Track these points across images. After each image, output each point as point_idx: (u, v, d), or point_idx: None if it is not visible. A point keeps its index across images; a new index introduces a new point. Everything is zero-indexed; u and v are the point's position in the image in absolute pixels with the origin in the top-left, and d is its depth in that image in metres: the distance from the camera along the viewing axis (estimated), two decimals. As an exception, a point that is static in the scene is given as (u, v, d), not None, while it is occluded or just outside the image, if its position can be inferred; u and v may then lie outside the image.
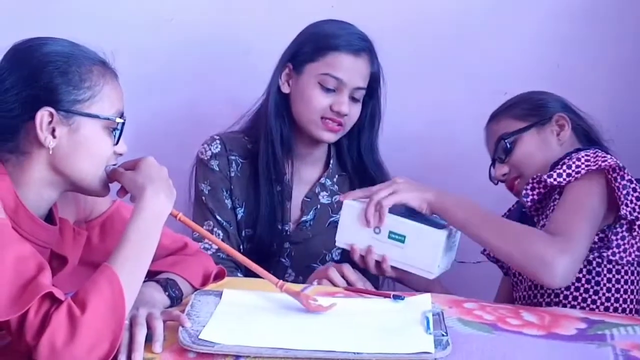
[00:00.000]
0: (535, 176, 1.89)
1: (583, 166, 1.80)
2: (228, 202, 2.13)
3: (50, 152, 1.47)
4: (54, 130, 1.47)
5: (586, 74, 2.14)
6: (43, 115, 1.45)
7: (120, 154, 1.57)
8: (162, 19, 2.55)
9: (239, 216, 2.14)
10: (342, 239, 1.89)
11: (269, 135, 2.11)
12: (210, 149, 2.14)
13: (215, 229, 2.10)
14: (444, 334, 1.46)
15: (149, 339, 1.40)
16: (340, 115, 2.06)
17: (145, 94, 2.49)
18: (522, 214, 2.01)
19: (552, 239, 1.69)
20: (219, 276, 1.75)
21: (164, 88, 2.57)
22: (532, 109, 1.99)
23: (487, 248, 1.82)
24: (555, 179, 1.81)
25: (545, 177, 1.83)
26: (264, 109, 2.14)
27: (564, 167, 1.81)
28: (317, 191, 2.20)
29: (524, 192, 1.90)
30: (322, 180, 2.21)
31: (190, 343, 1.39)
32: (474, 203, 1.81)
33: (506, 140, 1.97)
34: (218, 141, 2.15)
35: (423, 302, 1.63)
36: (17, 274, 1.32)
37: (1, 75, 1.48)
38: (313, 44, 2.09)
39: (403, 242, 1.81)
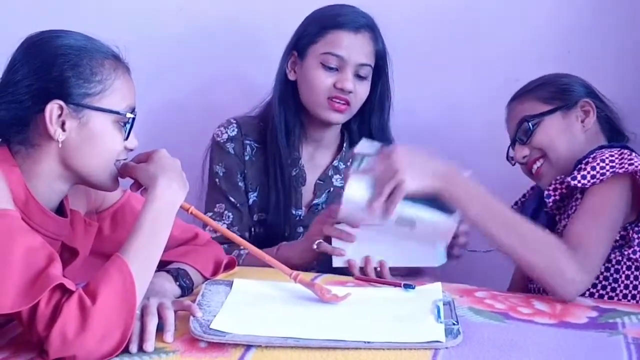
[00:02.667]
0: (558, 177, 1.86)
1: (608, 168, 1.76)
2: (242, 184, 2.15)
3: (60, 146, 1.47)
4: (63, 123, 1.47)
5: (597, 60, 2.12)
6: (53, 108, 1.45)
7: (131, 149, 1.57)
8: (172, 8, 2.55)
9: (252, 200, 2.15)
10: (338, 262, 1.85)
11: (273, 123, 2.13)
12: (226, 132, 2.16)
13: (226, 212, 2.11)
14: (455, 322, 1.46)
15: (160, 329, 1.40)
16: (344, 93, 2.07)
17: (156, 84, 2.49)
18: (539, 203, 1.98)
19: (573, 255, 1.66)
20: (229, 266, 1.75)
21: (174, 78, 2.57)
22: (558, 92, 1.95)
23: (503, 251, 1.71)
24: (579, 181, 1.77)
25: (569, 179, 1.79)
26: (272, 96, 2.16)
27: (588, 168, 1.77)
28: (330, 174, 2.21)
29: (545, 192, 1.87)
30: (335, 163, 2.22)
31: (202, 333, 1.39)
32: (491, 197, 1.72)
33: (529, 122, 1.93)
34: (235, 125, 2.16)
35: (434, 291, 1.63)
36: (27, 265, 1.32)
37: (14, 66, 1.49)
38: (313, 27, 2.11)
39: (414, 226, 1.75)
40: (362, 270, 1.84)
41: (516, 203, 2.09)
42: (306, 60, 2.10)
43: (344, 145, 2.23)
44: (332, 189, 2.20)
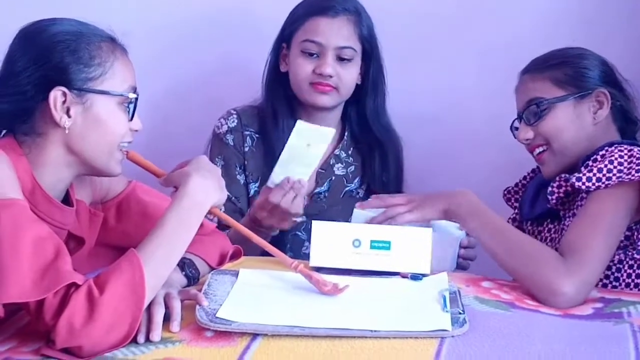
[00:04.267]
0: (563, 175, 1.80)
1: (615, 172, 1.70)
2: (241, 177, 2.15)
3: (67, 132, 1.47)
4: (68, 109, 1.47)
5: (601, 50, 2.11)
6: (56, 95, 1.46)
7: (136, 130, 1.57)
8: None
9: (253, 191, 2.15)
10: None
11: (266, 114, 2.16)
12: (226, 123, 2.17)
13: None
14: (461, 312, 1.46)
15: (167, 319, 1.41)
16: (324, 77, 2.08)
17: (158, 73, 2.48)
18: (538, 188, 1.95)
19: (563, 264, 1.61)
20: (235, 256, 1.75)
21: (176, 67, 2.56)
22: (574, 76, 1.86)
23: (497, 262, 1.72)
24: (584, 183, 1.72)
25: (574, 179, 1.74)
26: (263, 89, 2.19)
27: (595, 169, 1.72)
28: (331, 163, 2.21)
29: (549, 189, 1.83)
30: (337, 152, 2.22)
31: (208, 321, 1.40)
32: (490, 213, 1.75)
33: (539, 106, 1.85)
34: (235, 115, 2.17)
35: (440, 280, 1.63)
36: (36, 255, 1.32)
37: (12, 58, 1.49)
38: (294, 17, 2.14)
39: (388, 249, 1.72)
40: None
41: (516, 185, 2.07)
42: (291, 50, 2.13)
43: (345, 134, 2.23)
44: (333, 177, 2.21)
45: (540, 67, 1.90)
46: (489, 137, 2.46)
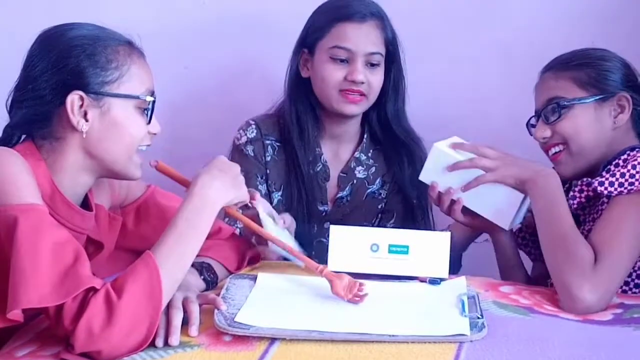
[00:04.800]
0: (584, 180, 1.79)
1: (638, 177, 1.69)
2: (262, 187, 2.13)
3: (84, 136, 1.48)
4: (85, 113, 1.48)
5: (621, 51, 2.10)
6: (73, 99, 1.47)
7: (154, 134, 1.57)
8: (195, 1, 2.55)
9: (276, 200, 2.14)
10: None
11: (288, 122, 2.13)
12: (245, 134, 2.15)
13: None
14: (480, 316, 1.46)
15: (185, 323, 1.41)
16: (356, 84, 2.06)
17: (178, 78, 2.49)
18: None
19: (591, 272, 1.60)
20: (253, 260, 1.75)
21: (197, 72, 2.57)
22: (596, 79, 1.82)
23: (541, 245, 1.72)
24: (606, 188, 1.70)
25: (596, 184, 1.72)
26: (285, 95, 2.17)
27: (617, 174, 1.70)
28: (352, 166, 2.20)
29: (571, 193, 1.81)
30: (357, 155, 2.21)
31: (226, 326, 1.40)
32: (562, 203, 1.72)
33: (559, 106, 1.82)
34: (253, 126, 2.16)
35: (458, 285, 1.63)
36: (55, 260, 1.33)
37: (31, 63, 1.50)
38: (319, 22, 2.11)
39: (407, 253, 1.72)
40: (440, 195, 1.86)
41: None
42: (316, 56, 2.10)
43: (365, 136, 2.22)
44: (355, 181, 2.20)
45: (563, 66, 1.88)
46: (510, 137, 2.45)
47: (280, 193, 2.15)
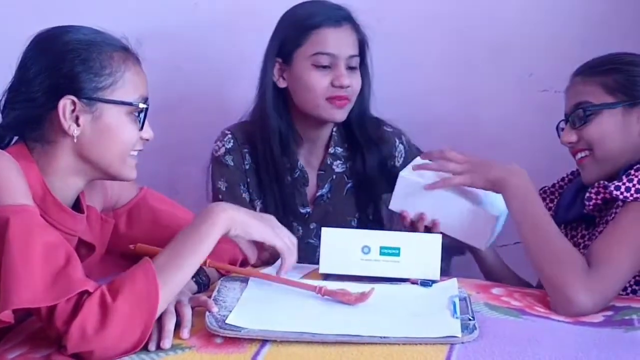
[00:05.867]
0: (602, 182, 1.78)
1: None
2: (246, 195, 2.12)
3: (75, 141, 1.48)
4: (77, 118, 1.48)
5: (611, 51, 2.11)
6: (65, 103, 1.47)
7: (147, 139, 1.57)
8: (187, 3, 2.55)
9: (258, 208, 2.12)
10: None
11: (266, 132, 2.10)
12: (223, 145, 2.13)
13: None
14: (471, 318, 1.46)
15: (177, 325, 1.41)
16: (343, 89, 2.05)
17: (170, 80, 2.49)
18: (577, 191, 1.90)
19: (585, 274, 1.59)
20: (245, 263, 1.75)
21: (189, 74, 2.57)
22: (625, 85, 1.79)
23: (526, 252, 1.69)
24: (622, 193, 1.69)
25: (612, 187, 1.71)
26: (260, 107, 2.12)
27: (635, 180, 1.68)
28: (329, 162, 2.18)
29: (587, 194, 1.80)
30: (331, 150, 2.19)
31: (217, 328, 1.40)
32: (538, 202, 1.72)
33: (585, 111, 1.80)
34: (230, 135, 2.14)
35: (450, 287, 1.63)
36: (47, 261, 1.33)
37: (25, 65, 1.50)
38: (294, 30, 2.08)
39: (398, 255, 1.72)
40: (413, 224, 1.85)
41: (553, 185, 2.02)
42: (295, 65, 2.07)
43: (333, 129, 2.19)
44: (334, 176, 2.18)
45: (592, 71, 1.86)
46: (501, 140, 2.46)
47: (260, 201, 2.14)
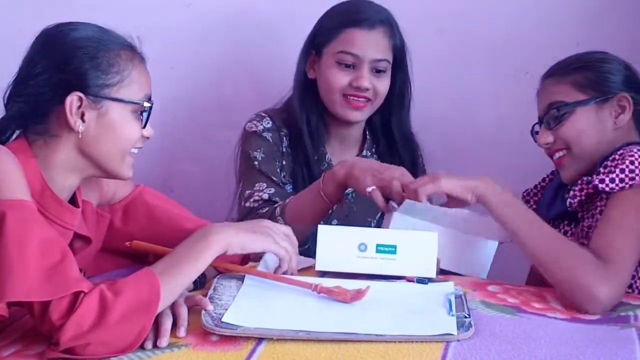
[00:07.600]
0: (584, 178, 1.79)
1: (638, 172, 1.69)
2: (280, 175, 2.12)
3: (80, 136, 1.49)
4: (83, 114, 1.49)
5: (607, 50, 2.12)
6: (72, 100, 1.47)
7: (147, 137, 1.58)
8: (181, 3, 2.55)
9: (288, 191, 2.12)
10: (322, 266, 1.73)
11: (297, 122, 2.13)
12: (261, 124, 2.14)
13: (267, 188, 2.06)
14: (467, 315, 1.46)
15: (173, 324, 1.40)
16: (361, 90, 2.06)
17: (165, 79, 2.48)
18: (556, 191, 1.92)
19: (601, 267, 1.59)
20: (242, 261, 1.75)
21: (184, 74, 2.57)
22: (596, 81, 1.82)
23: (527, 255, 1.69)
24: (607, 185, 1.70)
25: (596, 181, 1.71)
26: (293, 94, 2.16)
27: (617, 171, 1.70)
28: None
29: (571, 193, 1.81)
30: (364, 153, 2.22)
31: (213, 326, 1.39)
32: (523, 204, 1.73)
33: (559, 111, 1.82)
34: (267, 118, 2.15)
35: (446, 284, 1.63)
36: (42, 256, 1.32)
37: (33, 59, 1.51)
38: (328, 25, 2.11)
39: (394, 253, 1.71)
40: None
41: (535, 187, 2.03)
42: (323, 59, 2.11)
43: (367, 138, 2.23)
44: None
45: (562, 71, 1.88)
46: (496, 139, 2.47)
47: (291, 187, 2.14)
